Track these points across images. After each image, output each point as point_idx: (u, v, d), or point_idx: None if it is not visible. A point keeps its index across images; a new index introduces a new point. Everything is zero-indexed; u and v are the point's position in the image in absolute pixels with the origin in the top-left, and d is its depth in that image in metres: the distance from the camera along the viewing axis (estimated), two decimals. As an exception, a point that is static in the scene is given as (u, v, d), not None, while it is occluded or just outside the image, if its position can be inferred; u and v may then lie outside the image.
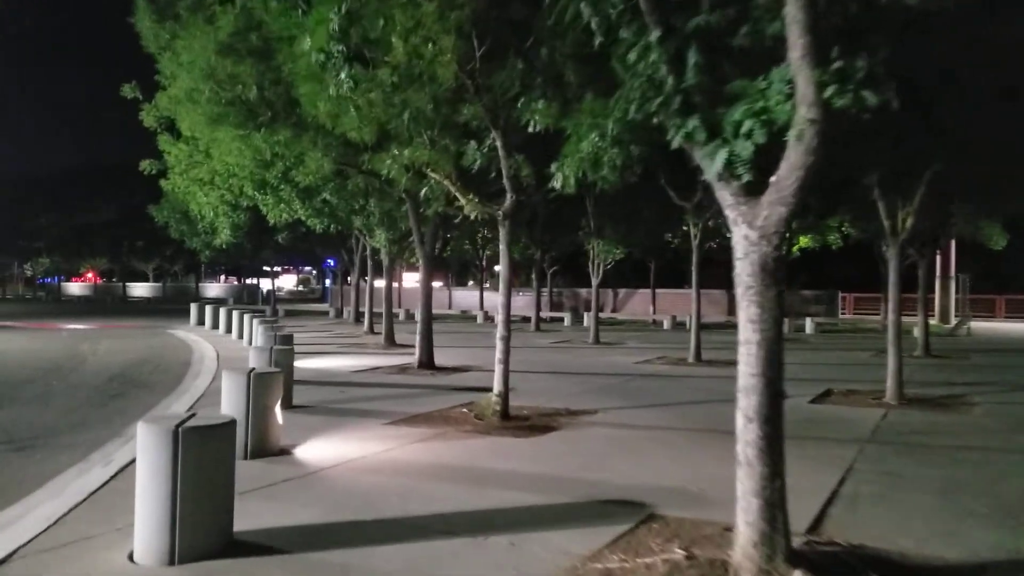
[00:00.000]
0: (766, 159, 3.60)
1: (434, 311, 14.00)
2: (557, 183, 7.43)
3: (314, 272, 77.99)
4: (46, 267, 61.91)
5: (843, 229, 28.00)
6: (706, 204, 14.06)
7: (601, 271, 19.24)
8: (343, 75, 6.20)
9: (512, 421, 8.04)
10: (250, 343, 15.25)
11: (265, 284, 50.56)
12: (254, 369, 6.56)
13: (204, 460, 4.00)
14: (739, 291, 3.64)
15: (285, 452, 6.47)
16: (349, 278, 32.45)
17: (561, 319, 29.30)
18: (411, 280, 47.13)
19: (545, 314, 28.94)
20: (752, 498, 3.55)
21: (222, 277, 76.13)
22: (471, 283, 51.61)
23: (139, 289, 65.74)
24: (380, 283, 23.59)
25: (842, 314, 33.09)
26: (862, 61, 3.30)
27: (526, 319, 25.99)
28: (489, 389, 9.94)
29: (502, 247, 8.66)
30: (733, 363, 12.71)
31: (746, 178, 3.57)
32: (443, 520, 4.63)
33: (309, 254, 42.70)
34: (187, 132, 13.32)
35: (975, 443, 7.43)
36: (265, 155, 11.94)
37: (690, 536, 4.26)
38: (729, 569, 3.61)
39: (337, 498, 5.10)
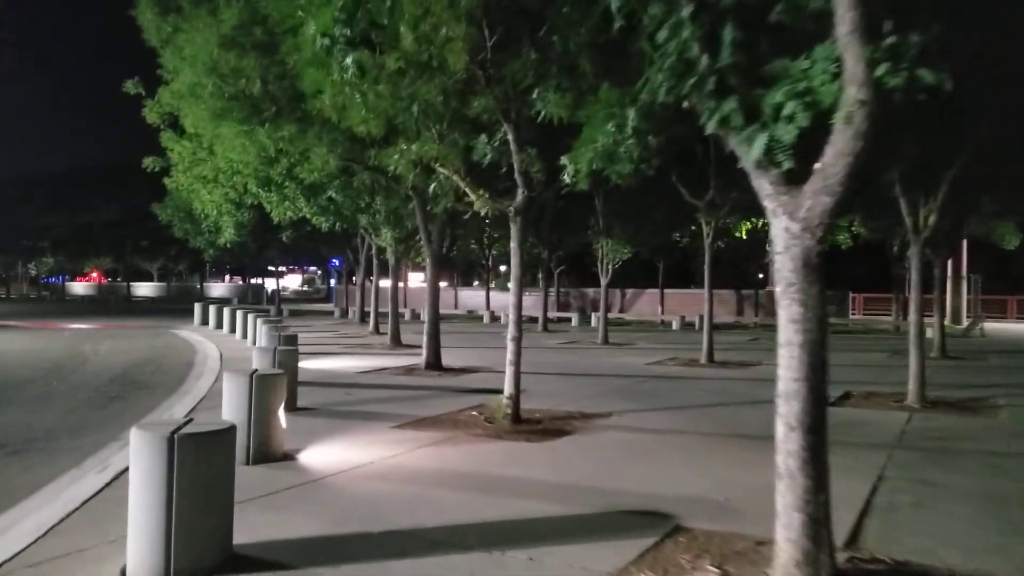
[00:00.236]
0: (808, 145, 3.32)
1: (440, 311, 13.73)
2: (568, 177, 7.18)
3: (319, 272, 77.83)
4: (50, 266, 61.87)
5: (852, 228, 27.66)
6: (718, 202, 13.78)
7: (610, 271, 18.93)
8: (348, 60, 5.93)
9: (524, 425, 7.76)
10: (254, 343, 15.00)
11: (270, 284, 50.41)
12: (256, 371, 6.30)
13: (201, 469, 3.74)
14: (778, 289, 3.36)
15: (289, 457, 6.21)
16: (354, 278, 32.21)
17: (568, 319, 29.02)
18: (416, 280, 46.90)
19: (552, 314, 28.66)
20: (794, 513, 3.26)
21: (227, 277, 76.01)
22: (476, 283, 51.37)
23: (143, 289, 65.64)
24: (385, 283, 23.38)
25: (852, 314, 32.74)
26: (916, 36, 3.01)
27: (533, 319, 25.72)
28: (498, 391, 9.68)
29: (513, 245, 8.38)
30: (746, 364, 12.51)
31: (787, 165, 3.29)
32: (456, 532, 4.35)
33: (314, 253, 42.48)
34: (190, 128, 13.07)
35: (1007, 449, 7.13)
36: (269, 151, 11.69)
37: (721, 552, 3.97)
38: (768, 589, 3.34)
39: (343, 508, 4.83)
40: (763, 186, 3.40)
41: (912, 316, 9.92)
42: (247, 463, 5.95)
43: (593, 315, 28.58)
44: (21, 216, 49.80)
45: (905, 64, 3.00)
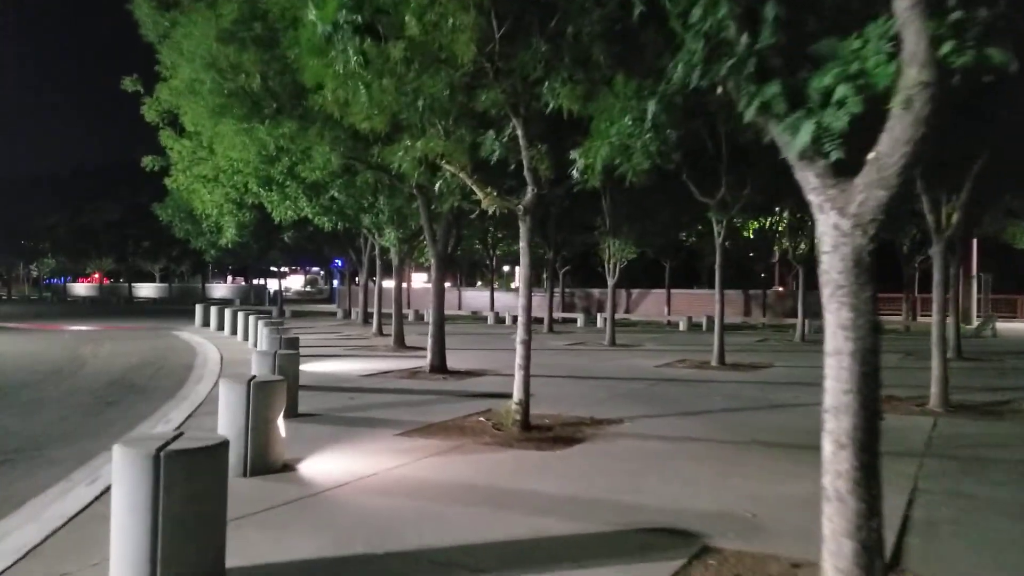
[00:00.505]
0: (857, 133, 3.00)
1: (444, 312, 13.43)
2: (578, 172, 6.85)
3: (322, 273, 77.56)
4: (52, 267, 61.66)
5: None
6: (729, 201, 13.46)
7: (617, 271, 18.61)
8: (351, 49, 5.61)
9: (533, 432, 7.45)
10: (255, 345, 14.71)
11: (272, 285, 50.16)
12: (255, 377, 5.98)
13: (191, 489, 3.43)
14: (826, 292, 3.04)
15: (288, 468, 5.90)
16: (357, 279, 31.91)
17: (574, 320, 28.70)
18: (419, 280, 46.59)
19: (557, 315, 28.33)
20: (844, 540, 2.94)
21: (229, 278, 75.79)
22: (479, 283, 51.06)
23: (145, 290, 65.41)
24: (389, 283, 23.07)
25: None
26: (985, 11, 2.69)
27: (538, 320, 25.40)
28: (506, 395, 9.36)
29: (522, 244, 8.06)
30: (758, 367, 12.12)
31: (836, 156, 2.97)
32: (467, 553, 4.04)
33: (317, 254, 42.19)
34: (190, 127, 12.78)
35: (1042, 457, 6.80)
36: (270, 149, 11.38)
37: (756, 576, 3.66)
38: (814, 623, 3.02)
39: (345, 525, 4.52)
40: (808, 179, 3.08)
41: (935, 317, 9.59)
42: (244, 475, 5.65)
43: (599, 316, 28.25)
44: (22, 217, 49.54)
45: (971, 42, 2.67)
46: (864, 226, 2.93)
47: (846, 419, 2.96)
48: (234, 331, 20.31)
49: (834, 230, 3.00)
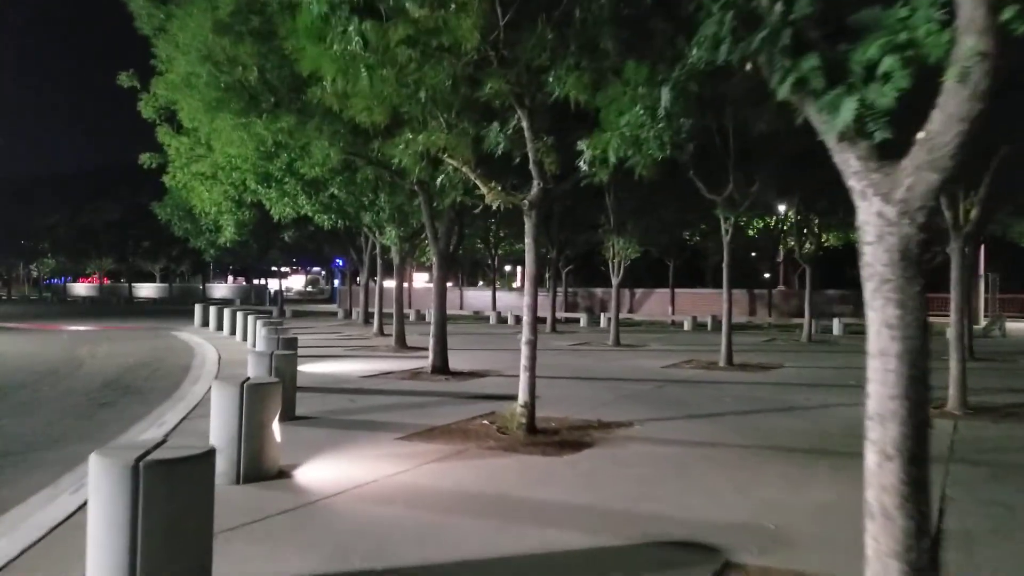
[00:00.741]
0: (902, 112, 2.72)
1: (446, 312, 13.16)
2: (585, 164, 6.57)
3: (323, 272, 77.30)
4: (51, 268, 61.46)
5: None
6: (737, 198, 13.16)
7: (622, 270, 18.32)
8: (352, 28, 5.33)
9: (539, 436, 7.17)
10: (254, 346, 14.44)
11: (273, 285, 49.90)
12: (248, 379, 5.71)
13: (173, 503, 3.15)
14: (869, 287, 2.76)
15: (284, 474, 5.63)
16: (358, 278, 31.65)
17: (577, 320, 28.42)
18: (420, 280, 46.31)
19: (560, 315, 28.05)
20: (891, 561, 2.66)
21: (230, 277, 75.55)
22: (481, 283, 50.79)
23: (145, 290, 65.17)
24: (390, 283, 22.81)
25: (866, 314, 31.99)
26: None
27: (542, 320, 25.11)
28: (509, 397, 9.08)
29: (528, 241, 7.78)
30: (767, 367, 11.77)
31: (880, 136, 2.69)
32: (472, 570, 3.76)
33: (317, 254, 41.94)
34: (187, 123, 12.51)
35: (1071, 462, 6.51)
36: (268, 144, 11.11)
37: (786, 597, 3.37)
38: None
39: (342, 538, 4.24)
40: (849, 162, 2.80)
41: (953, 316, 9.30)
42: (237, 482, 5.39)
43: (602, 315, 27.97)
44: (22, 217, 49.30)
45: (1036, 7, 2.39)
46: (912, 213, 2.65)
47: (893, 427, 2.67)
48: (233, 331, 20.06)
49: (878, 218, 2.72)
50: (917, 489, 2.66)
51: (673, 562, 3.90)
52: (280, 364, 7.99)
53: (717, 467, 5.98)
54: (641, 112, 5.35)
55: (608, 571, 3.77)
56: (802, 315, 26.17)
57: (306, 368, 12.05)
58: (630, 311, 30.81)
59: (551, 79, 6.37)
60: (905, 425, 2.66)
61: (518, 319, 28.94)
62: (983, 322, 27.86)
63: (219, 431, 5.50)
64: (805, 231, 22.54)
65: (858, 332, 24.69)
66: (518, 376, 7.54)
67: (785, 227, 24.96)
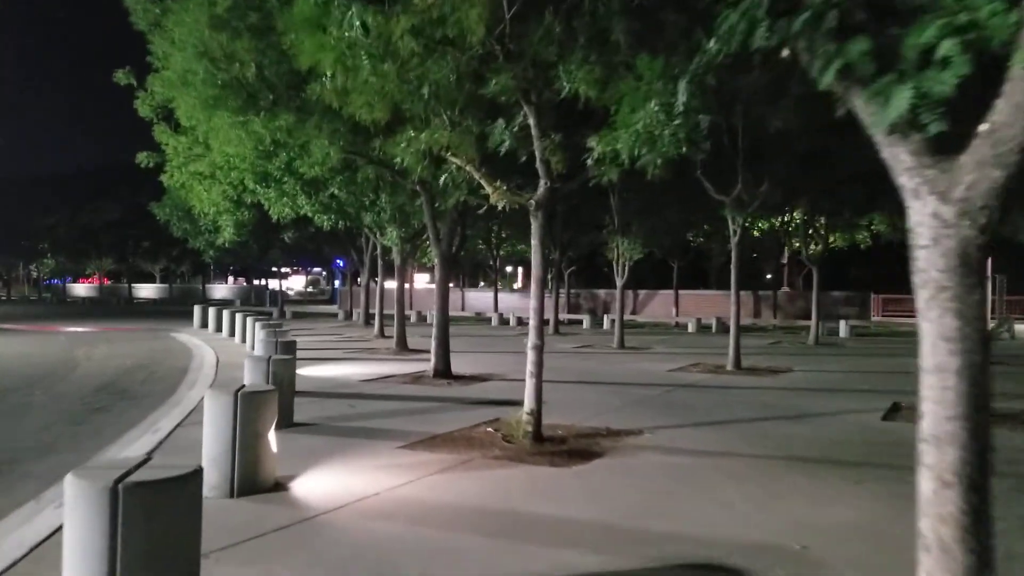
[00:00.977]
0: (959, 101, 2.46)
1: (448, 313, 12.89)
2: (593, 160, 6.33)
3: (324, 273, 77.07)
4: (51, 268, 61.24)
5: (872, 226, 26.72)
6: (746, 198, 12.89)
7: (627, 271, 18.05)
8: (351, 14, 5.07)
9: (546, 444, 6.90)
10: (253, 348, 14.19)
11: (274, 285, 49.63)
12: (243, 387, 5.44)
13: (155, 528, 2.89)
14: (923, 295, 2.49)
15: (280, 486, 5.37)
16: (359, 279, 31.39)
17: (580, 321, 28.14)
18: (421, 281, 46.06)
19: (563, 316, 27.78)
20: (948, 600, 2.40)
21: (230, 278, 75.29)
22: (482, 284, 50.54)
23: (145, 290, 64.92)
24: (391, 284, 22.57)
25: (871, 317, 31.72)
26: None
27: (543, 322, 24.86)
28: (513, 402, 8.83)
29: (534, 242, 7.52)
30: (777, 371, 11.42)
31: (936, 128, 2.43)
32: (480, 597, 3.50)
33: (318, 254, 41.69)
34: (184, 121, 12.24)
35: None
36: (266, 143, 10.84)
37: (822, 630, 3.11)
38: None
39: (341, 558, 3.98)
40: (900, 158, 2.54)
41: (972, 321, 8.99)
42: (231, 495, 5.13)
43: (605, 317, 27.71)
44: (22, 217, 49.06)
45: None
46: (973, 214, 2.39)
47: (952, 451, 2.41)
48: (232, 333, 19.82)
49: (934, 219, 2.45)
50: (978, 520, 2.40)
51: (696, 588, 3.64)
52: (278, 369, 7.73)
53: (733, 479, 5.71)
54: (656, 108, 5.09)
55: (626, 598, 3.51)
56: (807, 317, 25.90)
57: (305, 371, 11.79)
58: (633, 313, 30.53)
59: (560, 73, 6.11)
60: (965, 449, 2.40)
61: (520, 320, 28.67)
62: (991, 324, 27.59)
63: (212, 442, 5.24)
64: (811, 232, 22.25)
65: (865, 335, 24.46)
66: (522, 380, 7.28)
67: (791, 228, 24.67)
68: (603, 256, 25.54)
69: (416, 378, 11.66)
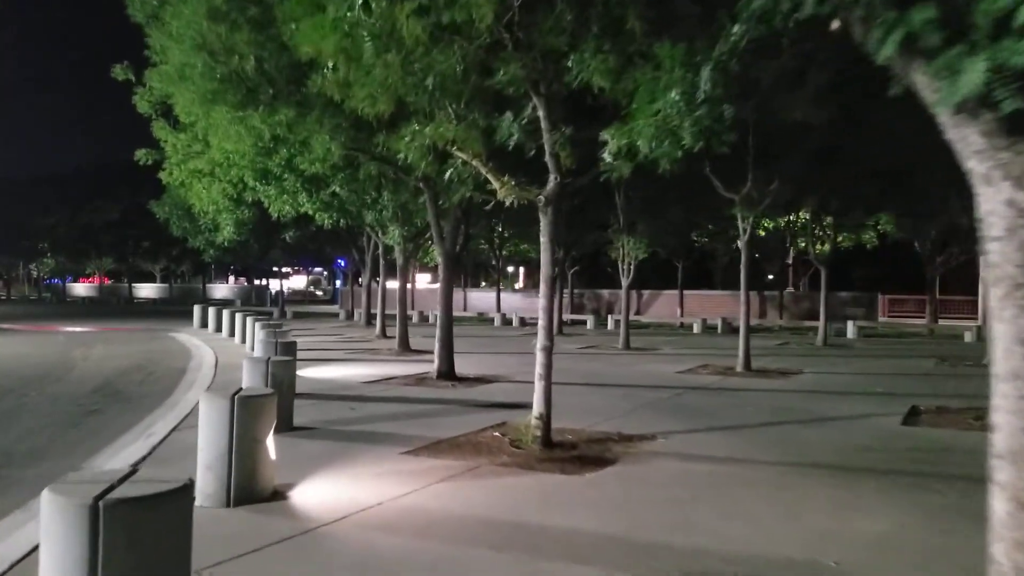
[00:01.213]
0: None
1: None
2: (610, 155, 6.06)
3: (324, 273, 76.80)
4: (51, 267, 61.02)
5: (879, 227, 26.44)
6: (756, 197, 12.62)
7: (632, 271, 17.77)
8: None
9: (556, 450, 6.64)
10: (253, 349, 13.94)
11: (275, 285, 49.37)
12: (240, 391, 5.18)
13: (139, 549, 2.63)
14: (997, 292, 2.23)
15: (279, 495, 5.11)
16: (360, 279, 31.15)
17: (583, 322, 27.87)
18: (423, 281, 45.79)
19: (567, 317, 27.51)
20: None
21: (231, 278, 75.04)
22: (484, 283, 50.27)
23: (146, 290, 64.68)
24: (392, 284, 22.31)
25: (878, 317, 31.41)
26: None
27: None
28: (519, 404, 8.58)
29: (543, 239, 7.26)
30: (787, 373, 11.10)
31: (1011, 106, 2.16)
32: (493, 620, 3.24)
33: (319, 254, 41.43)
34: (183, 117, 11.98)
35: None
36: (266, 139, 10.58)
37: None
38: None
39: (342, 574, 3.72)
40: (968, 139, 2.27)
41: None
42: (227, 505, 4.87)
43: (609, 317, 27.44)
44: (21, 216, 48.82)
45: None
46: (1055, 202, 2.12)
47: (1032, 470, 2.14)
48: (232, 333, 19.58)
49: (1008, 208, 2.19)
50: (1061, 546, 2.13)
51: (725, 610, 3.37)
52: (277, 371, 7.47)
53: (754, 488, 5.44)
54: (677, 97, 4.82)
55: (651, 621, 3.25)
56: (813, 317, 25.60)
57: (306, 373, 11.54)
58: (637, 313, 30.26)
59: (573, 62, 5.84)
60: (1046, 466, 2.13)
61: (523, 321, 28.40)
62: (997, 325, 27.24)
63: (207, 448, 4.98)
64: (818, 231, 21.98)
65: (873, 336, 24.16)
66: (527, 382, 7.02)
67: (797, 227, 24.41)
68: (606, 256, 25.24)
69: (419, 380, 11.39)
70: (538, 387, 6.88)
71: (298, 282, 76.57)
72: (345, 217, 15.17)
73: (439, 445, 6.76)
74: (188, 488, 2.86)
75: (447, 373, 11.53)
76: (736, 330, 14.51)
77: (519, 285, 53.88)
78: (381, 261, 22.83)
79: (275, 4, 8.11)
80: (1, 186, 49.66)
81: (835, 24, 2.49)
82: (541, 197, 7.01)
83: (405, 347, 16.10)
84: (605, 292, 33.58)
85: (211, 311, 23.01)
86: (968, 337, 21.80)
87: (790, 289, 33.88)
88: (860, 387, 11.31)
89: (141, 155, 14.90)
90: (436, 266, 13.36)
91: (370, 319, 26.08)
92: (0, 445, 7.11)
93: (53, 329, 25.00)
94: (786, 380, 12.04)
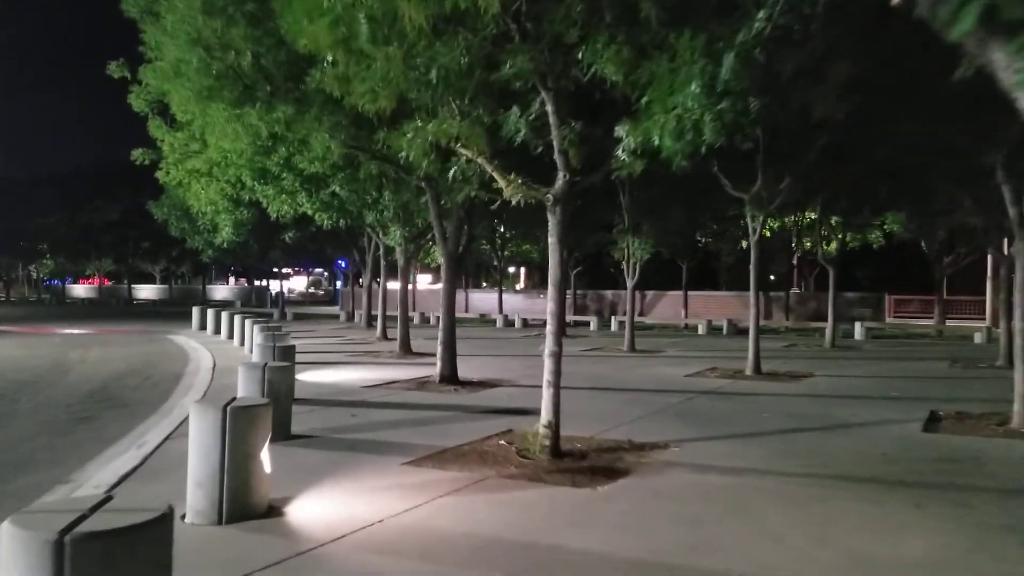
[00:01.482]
0: None
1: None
2: (625, 151, 5.78)
3: (325, 274, 76.53)
4: (51, 268, 60.78)
5: (885, 226, 26.12)
6: (766, 196, 12.31)
7: (637, 272, 17.46)
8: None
9: (565, 459, 6.35)
10: (251, 352, 13.65)
11: (275, 286, 49.09)
12: (233, 401, 4.89)
13: (111, 590, 2.34)
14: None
15: (274, 511, 4.82)
16: (361, 280, 30.87)
17: (586, 323, 27.56)
18: (424, 282, 45.50)
19: (570, 318, 27.20)
20: None
21: (231, 279, 74.76)
22: (485, 284, 49.99)
23: (145, 291, 64.39)
24: (393, 285, 22.03)
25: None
26: None
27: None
28: (525, 410, 8.32)
29: (551, 240, 6.97)
30: (798, 376, 10.76)
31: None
32: (507, 660, 2.94)
33: (319, 254, 41.14)
34: (179, 114, 11.70)
35: None
36: (263, 137, 10.29)
37: None
38: None
39: (341, 606, 3.43)
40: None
41: (1018, 324, 8.42)
42: (219, 522, 4.58)
43: (612, 318, 27.14)
44: (21, 217, 48.54)
45: None
46: None
47: None
48: (231, 335, 19.30)
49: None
50: None
51: (761, 647, 3.08)
52: (274, 377, 7.19)
53: (779, 503, 5.14)
54: (697, 90, 4.53)
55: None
56: (819, 318, 25.29)
57: (305, 377, 11.26)
58: (641, 314, 29.93)
59: (584, 54, 5.55)
60: None
61: (526, 322, 28.09)
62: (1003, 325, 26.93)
63: (198, 463, 4.69)
64: (826, 231, 21.67)
65: (881, 337, 23.82)
66: (531, 386, 6.75)
67: (803, 226, 24.11)
68: (609, 256, 24.92)
69: (421, 384, 11.10)
70: (546, 394, 6.59)
71: (298, 283, 76.32)
72: (345, 217, 14.89)
73: (443, 455, 6.47)
74: (167, 517, 2.57)
75: (450, 377, 11.24)
76: (742, 332, 14.24)
77: (520, 286, 53.57)
78: (382, 262, 22.55)
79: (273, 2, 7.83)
80: (1, 186, 49.38)
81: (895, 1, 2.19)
82: (550, 196, 6.72)
83: (407, 350, 15.81)
84: (608, 293, 33.27)
85: (210, 313, 22.73)
86: (979, 338, 21.49)
87: (795, 289, 33.56)
88: (875, 391, 11.01)
89: (138, 155, 14.65)
90: (438, 267, 13.08)
91: (371, 321, 25.78)
92: (-14, 455, 6.83)
93: (50, 331, 24.75)
94: (797, 384, 11.73)
